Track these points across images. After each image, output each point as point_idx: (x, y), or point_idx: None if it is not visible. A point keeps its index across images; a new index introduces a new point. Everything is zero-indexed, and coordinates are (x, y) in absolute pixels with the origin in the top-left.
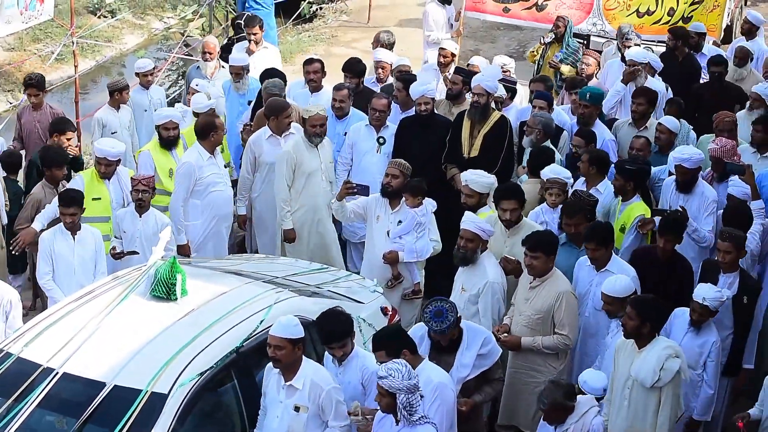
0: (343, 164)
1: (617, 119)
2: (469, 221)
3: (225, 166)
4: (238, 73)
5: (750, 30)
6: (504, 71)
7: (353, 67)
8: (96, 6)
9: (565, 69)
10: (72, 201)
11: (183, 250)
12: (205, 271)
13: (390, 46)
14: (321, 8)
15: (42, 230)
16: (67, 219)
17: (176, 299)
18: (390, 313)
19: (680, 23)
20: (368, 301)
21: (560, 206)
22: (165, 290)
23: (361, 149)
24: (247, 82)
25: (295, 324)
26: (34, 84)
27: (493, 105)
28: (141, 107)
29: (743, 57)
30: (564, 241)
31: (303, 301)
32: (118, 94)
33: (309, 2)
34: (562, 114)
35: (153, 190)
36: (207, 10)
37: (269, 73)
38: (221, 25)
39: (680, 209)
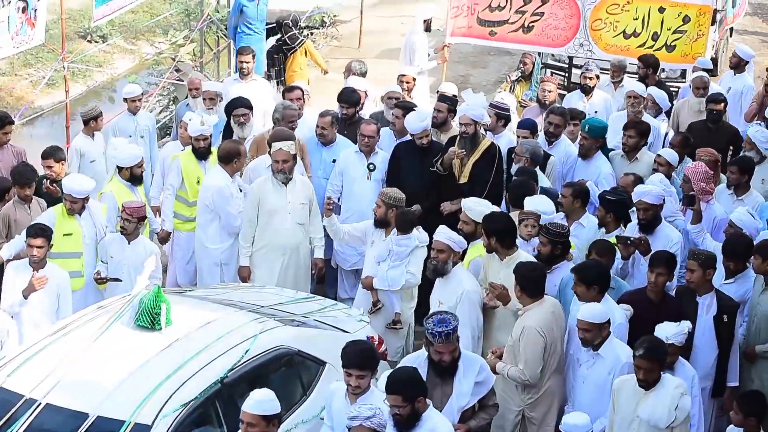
0: (334, 191)
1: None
2: (440, 233)
3: None
4: (212, 98)
5: (738, 64)
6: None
7: (349, 98)
8: (87, 31)
9: None
10: (40, 233)
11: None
12: (190, 300)
13: (362, 75)
14: (312, 34)
15: (9, 260)
16: (33, 251)
17: (160, 329)
18: (376, 342)
19: (663, 50)
20: (354, 331)
21: (535, 238)
22: (149, 320)
23: (352, 176)
24: (220, 111)
25: (270, 399)
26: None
27: (483, 131)
28: (126, 133)
29: (703, 87)
30: None
31: (288, 331)
32: (93, 122)
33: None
34: (570, 145)
35: (139, 221)
36: (198, 36)
37: (235, 104)
38: (212, 50)
39: (643, 239)
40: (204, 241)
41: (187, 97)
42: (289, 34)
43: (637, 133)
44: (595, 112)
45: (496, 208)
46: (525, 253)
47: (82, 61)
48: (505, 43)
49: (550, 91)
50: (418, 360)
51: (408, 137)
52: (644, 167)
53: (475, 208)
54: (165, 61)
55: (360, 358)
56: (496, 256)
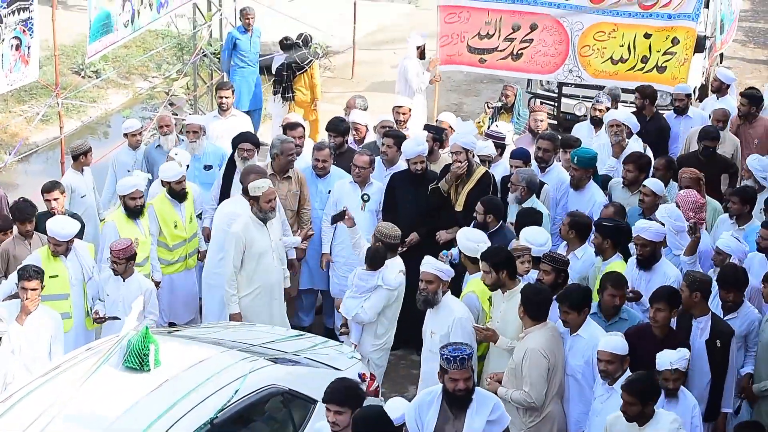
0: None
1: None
2: (427, 263)
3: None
4: (195, 131)
5: (719, 88)
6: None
7: (337, 127)
8: (80, 67)
9: None
10: (34, 275)
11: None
12: (180, 340)
13: (364, 110)
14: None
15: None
16: (27, 294)
17: (149, 370)
18: (368, 380)
19: (654, 72)
20: (345, 368)
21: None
22: (138, 361)
23: (346, 206)
24: (203, 145)
25: None
26: None
27: (477, 161)
28: (125, 167)
29: (723, 120)
30: (594, 311)
31: (278, 370)
32: (82, 157)
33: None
34: (562, 172)
35: (128, 260)
36: (191, 69)
37: (243, 138)
38: (206, 83)
39: (631, 293)
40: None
41: (158, 137)
42: (299, 53)
43: (636, 167)
44: (602, 144)
45: (485, 241)
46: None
47: (75, 96)
48: (495, 71)
49: (541, 120)
50: (431, 395)
51: (401, 167)
52: None
53: (468, 245)
54: (159, 96)
55: (339, 394)
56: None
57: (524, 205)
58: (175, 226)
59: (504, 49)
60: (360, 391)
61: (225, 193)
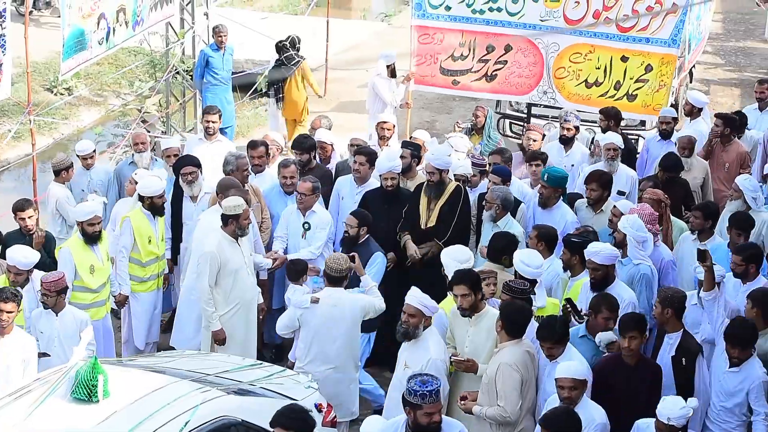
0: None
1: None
2: (412, 296)
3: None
4: (175, 155)
5: (691, 111)
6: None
7: (302, 144)
8: (53, 84)
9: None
10: (11, 297)
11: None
12: (130, 370)
13: (329, 129)
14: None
15: None
16: (2, 316)
17: (98, 401)
18: (325, 410)
19: (625, 100)
20: (302, 398)
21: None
22: (86, 392)
23: (291, 231)
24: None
25: None
26: None
27: (451, 177)
28: (79, 187)
29: (688, 147)
30: (582, 334)
31: (231, 400)
32: (64, 172)
33: (265, 77)
34: (523, 186)
35: (59, 294)
36: (164, 87)
37: (183, 162)
38: (178, 101)
39: (586, 315)
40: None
41: (132, 154)
42: (286, 54)
43: (599, 185)
44: (572, 165)
45: (471, 261)
46: (493, 309)
47: (48, 114)
48: (469, 92)
49: (534, 140)
50: (394, 426)
51: (373, 184)
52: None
53: (449, 263)
54: (131, 113)
55: (284, 417)
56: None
57: (499, 224)
58: (149, 241)
59: (478, 71)
60: (308, 416)
61: (175, 219)
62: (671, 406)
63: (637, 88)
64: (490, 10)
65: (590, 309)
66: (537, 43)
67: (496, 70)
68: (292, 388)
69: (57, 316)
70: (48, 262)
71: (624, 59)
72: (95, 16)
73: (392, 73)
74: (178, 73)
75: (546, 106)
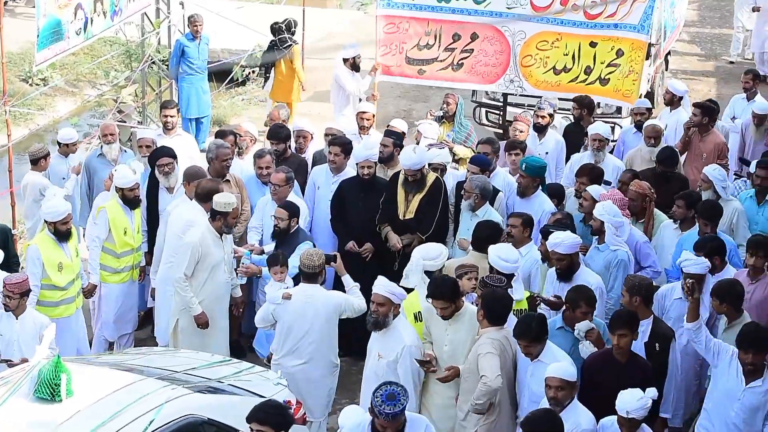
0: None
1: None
2: (379, 285)
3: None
4: (148, 146)
5: (671, 100)
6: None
7: (277, 134)
8: (28, 74)
9: (459, 150)
10: None
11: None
12: (95, 368)
13: (285, 120)
14: (253, 72)
15: None
16: None
17: (61, 400)
18: (294, 407)
19: (597, 84)
20: (270, 395)
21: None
22: (49, 391)
23: (266, 222)
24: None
25: None
26: None
27: (426, 167)
28: (59, 176)
29: (655, 136)
30: (559, 326)
31: (197, 398)
32: (42, 161)
33: (241, 66)
34: (507, 176)
35: (22, 296)
36: (140, 76)
37: (159, 154)
38: (154, 91)
39: (555, 297)
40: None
41: (101, 146)
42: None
43: (590, 179)
44: (546, 153)
45: (444, 260)
46: (471, 306)
47: (23, 104)
48: (435, 81)
49: (521, 131)
50: (360, 427)
51: (349, 173)
52: None
53: (425, 262)
54: (107, 103)
55: (261, 413)
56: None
57: (478, 213)
58: (125, 232)
59: (444, 60)
60: (286, 412)
61: (151, 211)
62: (629, 399)
63: (609, 73)
64: None
65: (567, 303)
66: (503, 31)
67: (462, 58)
68: (261, 385)
69: (17, 319)
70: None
71: (593, 44)
72: (72, 6)
73: (354, 67)
74: (153, 63)
75: (522, 95)
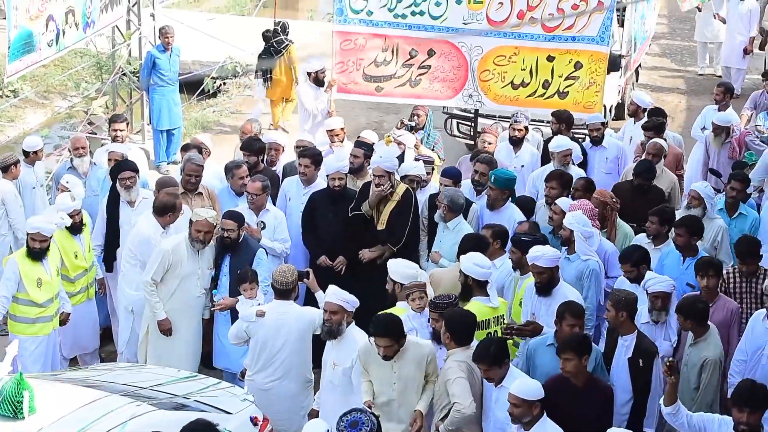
0: None
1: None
2: (331, 294)
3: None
4: (117, 159)
5: (636, 112)
6: (398, 142)
7: (251, 146)
8: None
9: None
10: None
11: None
12: (58, 385)
13: (258, 133)
14: (225, 83)
15: None
16: None
17: (23, 418)
18: (260, 423)
19: (556, 97)
20: (236, 411)
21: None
22: (11, 408)
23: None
24: None
25: None
26: None
27: (398, 178)
28: (29, 186)
29: (656, 154)
30: (550, 342)
31: (162, 415)
32: (13, 168)
33: (212, 78)
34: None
35: None
36: (110, 88)
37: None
38: (125, 102)
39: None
40: (123, 286)
41: (71, 159)
42: (277, 39)
43: (559, 184)
44: (522, 166)
45: (419, 271)
46: (412, 338)
47: None
48: (393, 99)
49: (489, 143)
50: None
51: (320, 185)
52: None
53: (397, 270)
54: (78, 115)
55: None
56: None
57: (449, 225)
58: (76, 256)
59: (401, 76)
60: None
61: (111, 224)
62: None
63: (568, 86)
64: (413, 14)
65: (556, 318)
66: (460, 46)
67: (420, 75)
68: (227, 401)
69: None
70: None
71: (550, 59)
72: (43, 17)
73: (318, 81)
74: (124, 74)
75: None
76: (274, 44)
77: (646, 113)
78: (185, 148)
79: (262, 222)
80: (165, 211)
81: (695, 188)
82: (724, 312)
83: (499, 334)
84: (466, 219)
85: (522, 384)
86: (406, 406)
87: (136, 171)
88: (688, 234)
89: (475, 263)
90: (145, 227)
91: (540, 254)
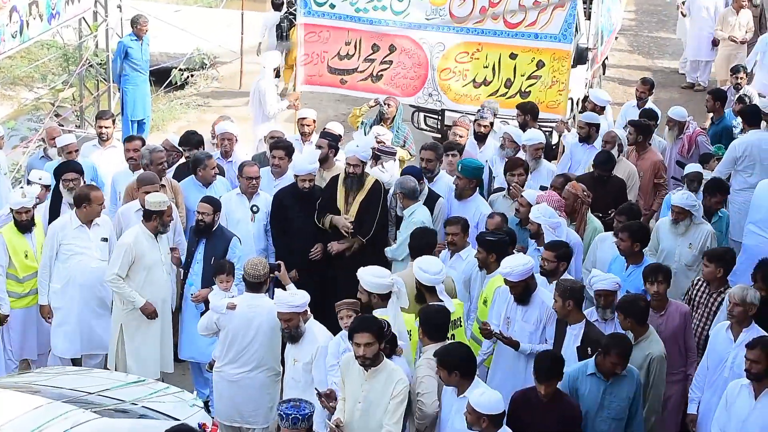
0: None
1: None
2: (280, 303)
3: None
4: (77, 151)
5: (593, 110)
6: (378, 141)
7: (189, 140)
8: None
9: (399, 153)
10: None
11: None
12: (2, 390)
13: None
14: (192, 75)
15: None
16: None
17: None
18: (209, 429)
19: (518, 97)
20: (185, 417)
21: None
22: None
23: (234, 218)
24: None
25: None
26: None
27: (367, 170)
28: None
29: (611, 141)
30: (591, 372)
31: (107, 423)
32: None
33: (180, 70)
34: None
35: None
36: (77, 80)
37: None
38: (92, 94)
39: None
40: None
41: (45, 149)
42: (294, 8)
43: (525, 170)
44: (487, 161)
45: (391, 278)
46: (390, 363)
47: None
48: (356, 92)
49: (461, 136)
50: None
51: (286, 180)
52: None
53: (371, 280)
54: (45, 107)
55: None
56: (355, 365)
57: (405, 213)
58: (26, 255)
59: (364, 70)
60: None
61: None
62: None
63: (530, 85)
64: (375, 9)
65: (601, 350)
66: (421, 43)
67: (381, 70)
68: (176, 407)
69: None
70: None
71: (513, 56)
72: (7, 8)
73: (277, 74)
74: (91, 66)
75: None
76: (292, 12)
77: (604, 111)
78: (128, 140)
79: (256, 206)
80: (82, 201)
81: (676, 203)
82: (677, 317)
83: (456, 338)
84: (432, 212)
85: (478, 394)
86: (363, 429)
87: (81, 173)
88: (630, 240)
89: (421, 268)
90: (62, 218)
91: (509, 270)
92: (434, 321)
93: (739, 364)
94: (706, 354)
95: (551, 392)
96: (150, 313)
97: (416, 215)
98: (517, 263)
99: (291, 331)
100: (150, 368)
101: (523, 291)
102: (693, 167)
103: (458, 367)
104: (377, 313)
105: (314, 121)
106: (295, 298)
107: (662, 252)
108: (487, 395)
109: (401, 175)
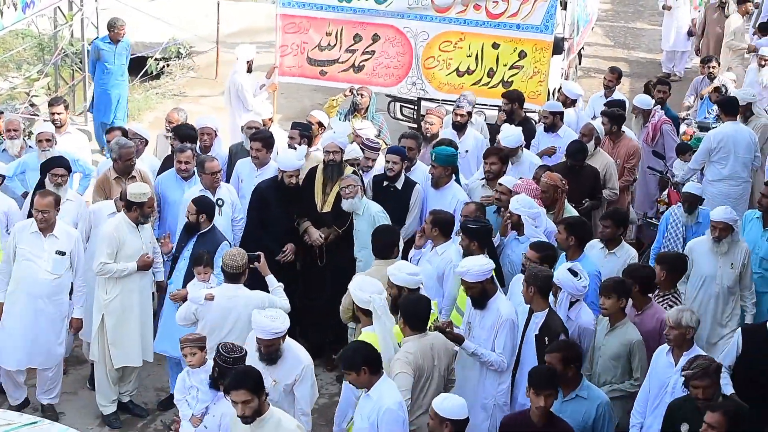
0: None
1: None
2: (262, 330)
3: None
4: (48, 140)
5: (564, 102)
6: (361, 135)
7: (184, 134)
8: None
9: None
10: None
11: None
12: None
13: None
14: (168, 65)
15: None
16: None
17: None
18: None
19: (500, 87)
20: None
21: None
22: None
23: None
24: (54, 154)
25: None
26: None
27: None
28: None
29: (588, 134)
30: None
31: None
32: None
33: (156, 59)
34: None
35: None
36: (52, 70)
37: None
38: (67, 83)
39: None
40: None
41: (2, 141)
42: None
43: (499, 159)
44: (466, 151)
45: (379, 290)
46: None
47: None
48: (336, 83)
49: (432, 124)
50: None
51: (271, 167)
52: None
53: (356, 294)
54: (19, 96)
55: None
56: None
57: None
58: None
59: (345, 61)
60: None
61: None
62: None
63: (513, 75)
64: None
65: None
66: (405, 32)
67: (363, 60)
68: None
69: None
70: None
71: (495, 46)
72: None
73: (249, 69)
74: (66, 55)
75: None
76: None
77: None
78: (109, 131)
79: (221, 199)
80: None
81: (717, 218)
82: (653, 322)
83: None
84: (410, 200)
85: (443, 399)
86: None
87: (69, 170)
88: (615, 226)
89: (397, 267)
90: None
91: (465, 270)
92: (414, 311)
93: (680, 389)
94: (648, 377)
95: (548, 406)
96: (147, 264)
97: (370, 208)
98: (474, 263)
99: (272, 353)
100: (132, 356)
101: (479, 294)
102: (690, 187)
103: (376, 368)
104: (366, 331)
105: (319, 123)
106: (275, 323)
107: (701, 278)
108: (450, 400)
109: (387, 152)
